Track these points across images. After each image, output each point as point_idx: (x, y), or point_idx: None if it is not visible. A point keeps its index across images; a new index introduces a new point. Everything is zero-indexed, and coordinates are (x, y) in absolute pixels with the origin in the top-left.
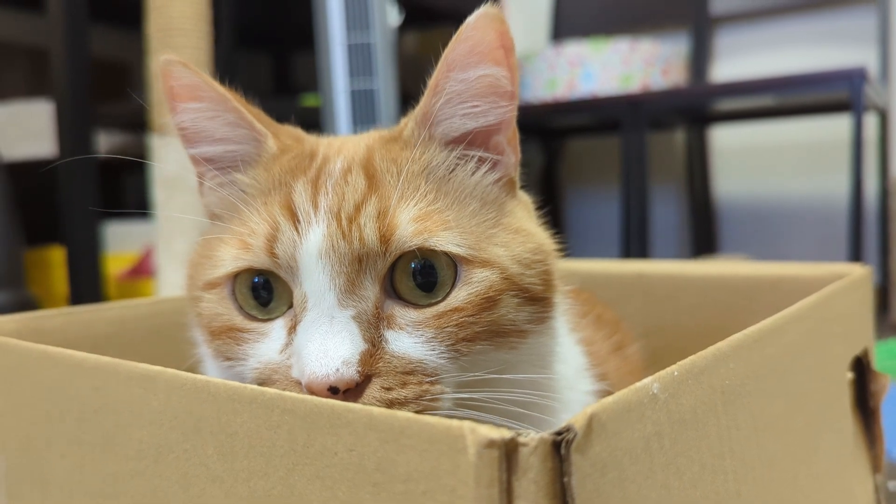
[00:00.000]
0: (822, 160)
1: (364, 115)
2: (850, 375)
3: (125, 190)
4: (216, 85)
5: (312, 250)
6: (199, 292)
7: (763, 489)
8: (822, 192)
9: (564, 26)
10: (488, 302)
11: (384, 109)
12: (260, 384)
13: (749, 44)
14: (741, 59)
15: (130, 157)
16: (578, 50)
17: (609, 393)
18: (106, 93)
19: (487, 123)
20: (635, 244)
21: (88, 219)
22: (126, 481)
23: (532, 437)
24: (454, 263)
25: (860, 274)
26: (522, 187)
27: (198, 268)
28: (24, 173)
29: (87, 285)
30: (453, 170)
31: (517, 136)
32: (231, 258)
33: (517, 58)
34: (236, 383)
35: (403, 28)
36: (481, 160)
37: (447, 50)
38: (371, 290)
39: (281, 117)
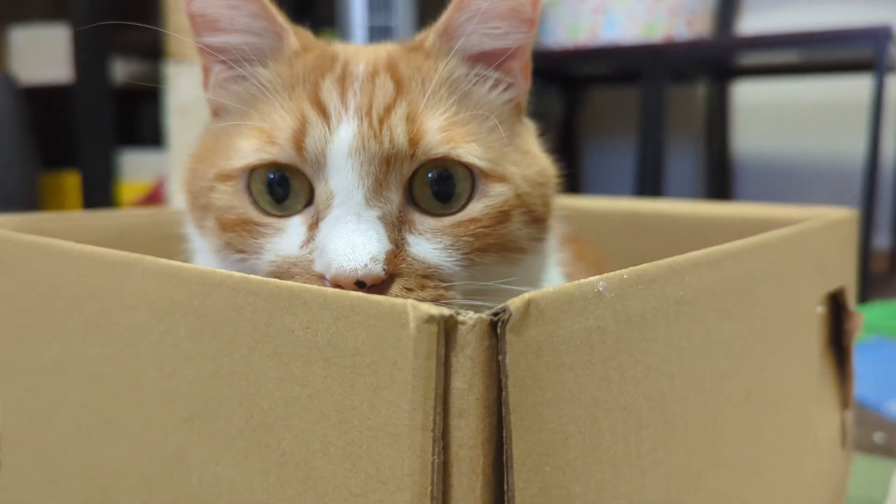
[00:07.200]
0: (843, 121)
1: None
2: (820, 310)
3: (140, 118)
4: None
5: (343, 147)
6: (211, 183)
7: (711, 400)
8: (841, 153)
9: None
10: (503, 216)
11: None
12: (276, 277)
13: None
14: (768, 13)
15: (146, 84)
16: None
17: None
18: (123, 19)
19: (505, 46)
20: (649, 197)
21: (103, 146)
22: (106, 363)
23: (471, 315)
24: (471, 177)
25: (844, 216)
26: (541, 135)
27: (204, 161)
28: (42, 98)
29: None
30: (473, 85)
31: (530, 65)
32: (252, 150)
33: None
34: (207, 268)
35: None
36: (497, 81)
37: None
38: (395, 194)
39: None
